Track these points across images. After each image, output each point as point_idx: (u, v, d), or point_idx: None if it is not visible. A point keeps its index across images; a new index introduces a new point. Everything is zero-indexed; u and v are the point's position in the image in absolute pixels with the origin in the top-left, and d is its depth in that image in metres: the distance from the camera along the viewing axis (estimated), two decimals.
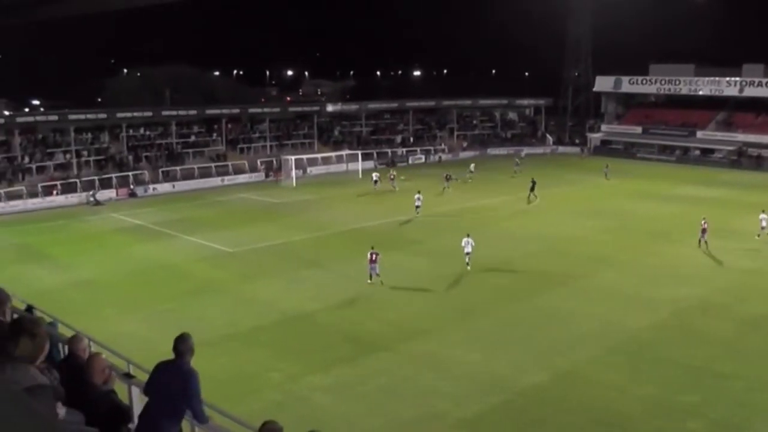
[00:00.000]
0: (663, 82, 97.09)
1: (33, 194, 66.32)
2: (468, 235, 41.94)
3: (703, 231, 45.50)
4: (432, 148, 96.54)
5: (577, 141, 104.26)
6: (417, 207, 56.39)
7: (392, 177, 71.81)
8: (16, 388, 4.69)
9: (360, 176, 78.12)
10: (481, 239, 45.66)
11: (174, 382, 7.97)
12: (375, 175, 71.02)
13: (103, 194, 69.06)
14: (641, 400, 24.14)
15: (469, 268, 40.95)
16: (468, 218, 55.40)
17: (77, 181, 69.73)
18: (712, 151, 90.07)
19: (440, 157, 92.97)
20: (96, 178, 70.84)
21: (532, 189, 64.68)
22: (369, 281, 38.29)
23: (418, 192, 57.75)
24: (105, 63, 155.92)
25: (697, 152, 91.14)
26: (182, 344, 8.15)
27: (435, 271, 40.94)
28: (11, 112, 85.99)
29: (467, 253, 41.34)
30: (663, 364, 27.11)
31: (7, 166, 69.71)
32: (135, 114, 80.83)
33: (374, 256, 38.56)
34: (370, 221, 53.40)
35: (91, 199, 67.76)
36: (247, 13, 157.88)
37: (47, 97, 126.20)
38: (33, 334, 5.58)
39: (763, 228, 46.62)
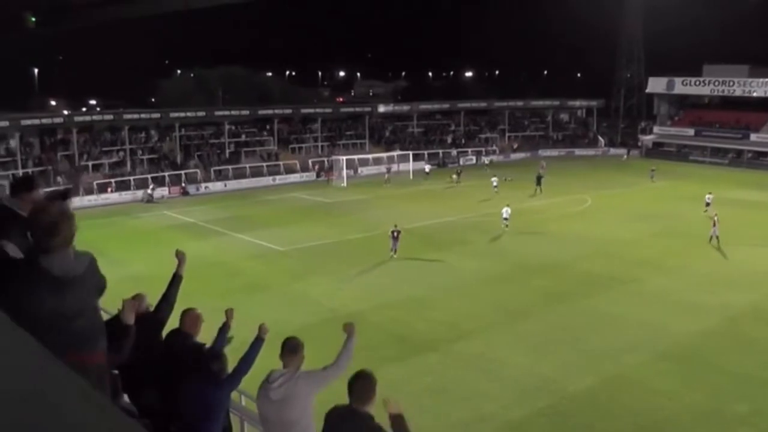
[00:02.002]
0: (717, 83, 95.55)
1: (89, 191, 67.38)
2: (507, 205, 52.29)
3: (714, 225, 46.17)
4: (483, 149, 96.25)
5: (621, 142, 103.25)
6: (505, 219, 52.58)
7: (458, 173, 75.13)
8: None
9: (411, 176, 78.24)
10: (530, 241, 45.54)
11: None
12: (494, 180, 68.60)
13: (157, 192, 69.98)
14: (690, 407, 23.83)
15: (507, 228, 50.75)
16: (516, 220, 55.10)
17: (131, 179, 70.80)
18: (766, 154, 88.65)
19: (491, 160, 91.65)
20: (149, 176, 71.83)
21: (538, 183, 67.26)
22: (393, 255, 43.63)
23: (507, 205, 53.58)
24: (159, 64, 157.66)
25: (750, 155, 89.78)
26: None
27: (483, 271, 40.84)
28: (70, 112, 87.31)
29: (505, 219, 51.40)
30: (713, 371, 26.74)
31: (66, 163, 70.88)
32: (188, 114, 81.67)
33: (396, 233, 43.77)
34: (420, 221, 53.36)
35: (148, 193, 68.71)
36: (299, 14, 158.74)
37: (104, 97, 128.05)
38: (70, 216, 5.49)
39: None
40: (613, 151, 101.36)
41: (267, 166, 80.00)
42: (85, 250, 5.49)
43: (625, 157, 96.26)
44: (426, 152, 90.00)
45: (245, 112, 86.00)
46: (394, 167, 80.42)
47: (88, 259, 5.41)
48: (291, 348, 7.42)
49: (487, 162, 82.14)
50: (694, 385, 25.48)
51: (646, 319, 32.43)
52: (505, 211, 52.45)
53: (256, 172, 78.65)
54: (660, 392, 24.94)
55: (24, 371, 2.69)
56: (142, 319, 8.15)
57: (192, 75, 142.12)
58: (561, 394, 24.93)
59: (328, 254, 45.97)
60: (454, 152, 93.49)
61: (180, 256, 8.57)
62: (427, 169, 70.18)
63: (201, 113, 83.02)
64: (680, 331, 30.92)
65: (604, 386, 25.51)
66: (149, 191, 69.24)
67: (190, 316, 8.31)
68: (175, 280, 8.54)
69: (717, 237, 45.99)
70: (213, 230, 54.21)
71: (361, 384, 6.95)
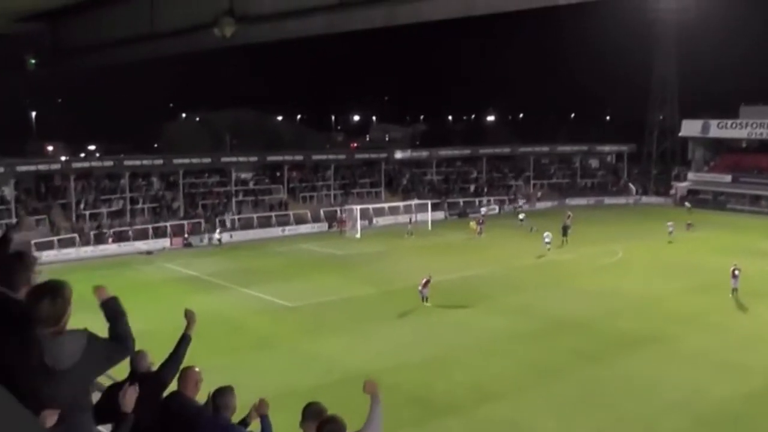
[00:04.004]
0: (755, 125, 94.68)
1: (86, 242, 67.53)
2: (548, 231, 63.11)
3: (734, 276, 46.13)
4: (507, 198, 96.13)
5: (655, 190, 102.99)
6: (547, 243, 63.83)
7: (481, 222, 75.55)
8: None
9: (429, 227, 78.06)
10: (558, 296, 45.23)
11: None
12: (547, 236, 65.54)
13: (157, 243, 70.15)
14: None
15: (549, 251, 61.13)
16: (545, 272, 54.95)
17: (130, 229, 71.00)
18: None
19: (524, 215, 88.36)
20: (150, 226, 71.97)
21: (564, 233, 67.79)
22: (423, 302, 45.53)
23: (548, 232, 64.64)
24: (163, 107, 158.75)
25: None
26: (220, 398, 7.96)
27: (509, 329, 40.49)
28: (68, 157, 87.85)
29: (547, 242, 62.27)
30: None
31: (61, 212, 71.12)
32: (193, 160, 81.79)
33: (426, 281, 46.06)
34: (441, 275, 53.03)
35: (216, 237, 72.05)
36: (312, 56, 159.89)
37: (104, 142, 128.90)
38: (54, 295, 5.50)
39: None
40: (645, 199, 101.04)
41: (276, 216, 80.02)
42: (79, 329, 5.38)
43: (688, 204, 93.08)
44: (446, 201, 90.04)
45: (253, 159, 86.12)
46: (413, 217, 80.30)
47: (84, 342, 5.30)
48: (313, 414, 7.16)
49: (521, 217, 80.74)
50: None
51: (683, 381, 32.00)
52: (547, 236, 63.50)
53: (264, 223, 78.64)
54: None
55: None
56: (143, 378, 7.99)
57: (198, 119, 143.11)
58: None
59: (341, 310, 45.73)
60: (484, 201, 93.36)
61: (189, 315, 8.44)
62: (546, 239, 65.73)
63: (206, 160, 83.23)
64: (721, 394, 30.46)
65: None
66: (212, 237, 72.45)
67: (189, 376, 8.11)
68: (184, 340, 8.39)
69: (736, 289, 46.18)
70: (217, 284, 54.08)
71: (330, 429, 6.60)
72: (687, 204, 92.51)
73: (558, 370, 33.71)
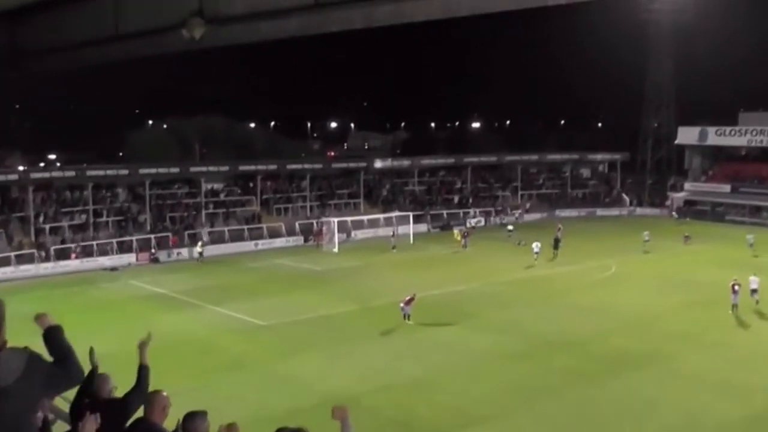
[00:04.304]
0: (755, 132, 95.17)
1: (46, 258, 67.17)
2: (537, 241, 65.84)
3: (734, 292, 46.45)
4: (493, 209, 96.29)
5: (650, 201, 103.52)
6: (536, 253, 65.81)
7: (465, 234, 75.97)
8: None
9: (411, 241, 78.09)
10: (548, 313, 45.32)
11: None
12: (536, 246, 67.07)
13: (122, 259, 69.87)
14: None
15: (536, 262, 64.13)
16: (534, 288, 55.03)
17: (93, 244, 70.63)
18: None
19: (513, 227, 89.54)
20: (114, 241, 71.64)
21: (556, 246, 68.66)
22: (405, 320, 45.52)
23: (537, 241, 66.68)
24: (129, 114, 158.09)
25: None
26: (190, 424, 7.90)
27: (496, 348, 40.50)
28: (26, 167, 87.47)
29: (536, 252, 64.86)
30: None
31: (19, 226, 70.70)
32: (160, 170, 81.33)
33: (409, 299, 46.04)
34: (424, 291, 52.95)
35: (197, 251, 72.40)
36: (287, 59, 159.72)
37: (65, 151, 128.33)
38: None
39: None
40: (640, 210, 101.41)
41: (249, 229, 79.89)
42: (19, 347, 5.34)
43: (675, 215, 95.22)
44: (429, 213, 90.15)
45: (225, 168, 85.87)
46: (396, 230, 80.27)
47: (24, 360, 5.25)
48: None
49: (510, 228, 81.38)
50: None
51: (681, 402, 32.06)
52: (536, 246, 65.34)
53: (236, 237, 78.48)
54: None
55: None
56: (105, 405, 7.92)
57: (165, 126, 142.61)
58: None
59: (318, 329, 45.61)
60: (473, 212, 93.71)
61: (140, 345, 8.37)
62: (535, 249, 66.82)
63: (175, 169, 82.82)
64: (722, 416, 30.52)
65: None
66: (198, 249, 72.38)
67: (156, 401, 8.03)
68: (142, 372, 8.32)
69: (736, 305, 46.46)
70: (186, 302, 53.87)
71: None
72: (674, 214, 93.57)
73: (548, 392, 33.69)
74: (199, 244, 73.24)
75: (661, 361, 37.94)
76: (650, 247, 71.78)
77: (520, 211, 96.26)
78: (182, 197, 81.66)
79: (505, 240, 77.28)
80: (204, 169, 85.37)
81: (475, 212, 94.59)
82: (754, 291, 48.62)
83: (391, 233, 77.90)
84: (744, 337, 42.43)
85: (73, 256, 68.40)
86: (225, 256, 73.14)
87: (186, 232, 76.13)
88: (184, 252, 73.63)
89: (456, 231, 78.33)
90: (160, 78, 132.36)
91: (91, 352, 8.83)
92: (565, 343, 41.12)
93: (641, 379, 35.10)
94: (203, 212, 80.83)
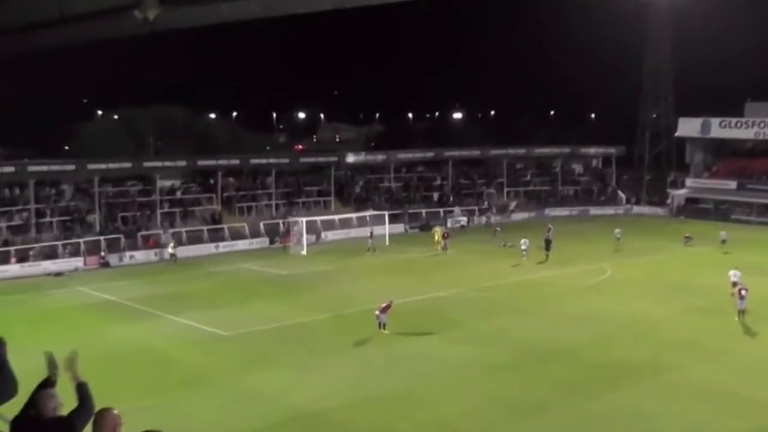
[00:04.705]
0: (763, 124, 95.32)
1: None
2: (525, 238, 68.71)
3: (741, 297, 46.56)
4: (477, 208, 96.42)
5: (648, 199, 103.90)
6: (524, 251, 68.32)
7: (445, 235, 75.62)
8: None
9: (387, 242, 78.04)
10: (538, 320, 45.35)
11: None
12: (524, 243, 69.35)
13: (69, 263, 69.38)
14: None
15: (525, 259, 66.90)
16: (522, 293, 55.08)
17: (36, 247, 70.10)
18: None
19: (488, 218, 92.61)
20: (60, 243, 71.13)
21: (547, 248, 69.18)
22: (380, 330, 45.09)
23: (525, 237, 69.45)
24: (76, 103, 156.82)
25: None
26: None
27: (481, 359, 40.45)
28: None
29: (524, 250, 67.64)
30: None
31: None
32: (110, 165, 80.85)
33: (385, 306, 45.72)
34: (401, 298, 52.90)
35: (169, 252, 73.11)
36: (251, 45, 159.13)
37: (4, 145, 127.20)
38: None
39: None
40: (637, 209, 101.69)
41: (208, 230, 79.57)
42: None
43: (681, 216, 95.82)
44: (407, 212, 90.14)
45: (182, 164, 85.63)
46: (366, 230, 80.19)
47: None
48: None
49: (498, 228, 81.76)
50: None
51: (685, 416, 32.12)
52: (524, 243, 67.64)
53: (195, 239, 78.20)
54: None
55: None
56: (49, 424, 7.77)
57: (117, 117, 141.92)
58: None
59: (285, 339, 45.48)
60: (455, 212, 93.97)
61: (68, 364, 8.23)
62: (523, 246, 69.60)
63: (127, 165, 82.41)
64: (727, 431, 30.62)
65: None
66: (170, 250, 72.88)
67: (106, 419, 7.86)
68: (81, 390, 8.18)
69: (743, 312, 46.61)
70: (140, 311, 53.51)
71: None
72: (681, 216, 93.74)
73: (539, 406, 33.67)
74: (171, 245, 73.25)
75: (661, 372, 38.01)
76: (621, 245, 72.92)
77: (512, 206, 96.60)
78: (135, 195, 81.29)
79: (489, 242, 77.31)
80: (159, 164, 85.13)
81: (459, 211, 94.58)
82: (734, 285, 50.05)
83: (369, 234, 77.75)
84: (751, 346, 42.59)
85: (13, 260, 67.89)
86: (183, 261, 72.75)
87: (139, 234, 75.71)
88: (139, 255, 73.17)
89: (436, 229, 78.35)
90: (111, 65, 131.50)
91: (50, 360, 8.60)
92: (556, 354, 41.14)
93: (640, 392, 35.12)
94: (158, 212, 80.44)
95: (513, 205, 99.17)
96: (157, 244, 74.98)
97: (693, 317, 48.81)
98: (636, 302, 52.89)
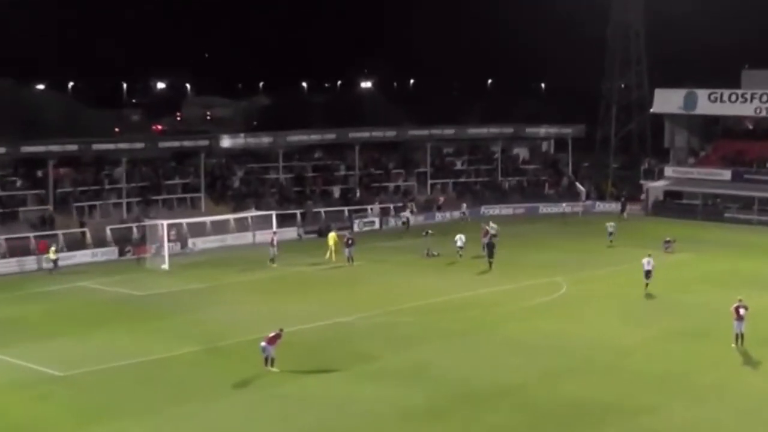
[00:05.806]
0: (765, 98, 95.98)
1: None
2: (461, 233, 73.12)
3: (739, 317, 47.22)
4: (391, 205, 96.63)
5: (615, 194, 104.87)
6: (460, 248, 73.38)
7: (350, 242, 75.56)
8: None
9: (276, 251, 77.87)
10: (475, 350, 45.64)
11: None
12: (459, 239, 73.29)
13: None
14: None
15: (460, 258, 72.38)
16: (453, 316, 55.38)
17: None
18: None
19: (407, 219, 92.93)
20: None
21: (491, 254, 70.87)
22: (267, 367, 44.85)
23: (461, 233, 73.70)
24: None
25: None
26: None
27: (399, 404, 40.49)
28: None
29: (460, 247, 72.77)
30: None
31: None
32: None
33: (273, 335, 45.44)
34: (293, 324, 52.93)
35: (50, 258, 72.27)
36: None
37: None
38: None
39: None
40: (601, 205, 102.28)
41: (36, 237, 78.72)
42: None
43: (625, 215, 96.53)
44: (299, 212, 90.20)
45: (1, 150, 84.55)
46: (248, 236, 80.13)
47: None
48: None
49: (431, 231, 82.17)
50: None
51: None
52: (459, 239, 72.23)
53: (18, 249, 77.28)
54: None
55: None
56: None
57: None
58: None
59: (142, 381, 45.15)
60: (370, 211, 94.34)
61: None
62: (459, 242, 73.80)
63: None
64: None
65: None
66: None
67: None
68: None
69: (741, 335, 47.26)
70: None
71: None
72: (624, 215, 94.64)
73: None
74: (52, 249, 73.05)
75: (635, 414, 38.26)
76: (615, 245, 73.62)
77: (440, 202, 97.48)
78: None
79: (408, 251, 77.43)
80: None
81: (376, 209, 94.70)
82: (648, 273, 56.09)
83: (270, 240, 77.24)
84: (751, 380, 43.08)
85: None
86: (3, 277, 71.91)
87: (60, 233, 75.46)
88: None
89: (332, 235, 77.59)
90: None
91: None
92: (496, 394, 41.36)
93: None
94: None
95: (440, 200, 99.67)
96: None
97: (675, 344, 49.34)
98: (599, 326, 53.49)
